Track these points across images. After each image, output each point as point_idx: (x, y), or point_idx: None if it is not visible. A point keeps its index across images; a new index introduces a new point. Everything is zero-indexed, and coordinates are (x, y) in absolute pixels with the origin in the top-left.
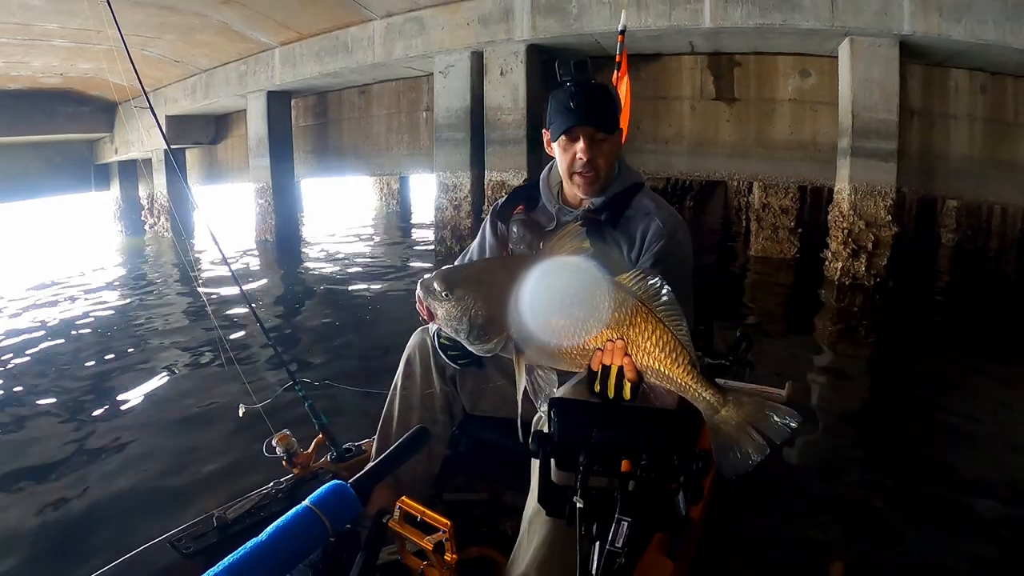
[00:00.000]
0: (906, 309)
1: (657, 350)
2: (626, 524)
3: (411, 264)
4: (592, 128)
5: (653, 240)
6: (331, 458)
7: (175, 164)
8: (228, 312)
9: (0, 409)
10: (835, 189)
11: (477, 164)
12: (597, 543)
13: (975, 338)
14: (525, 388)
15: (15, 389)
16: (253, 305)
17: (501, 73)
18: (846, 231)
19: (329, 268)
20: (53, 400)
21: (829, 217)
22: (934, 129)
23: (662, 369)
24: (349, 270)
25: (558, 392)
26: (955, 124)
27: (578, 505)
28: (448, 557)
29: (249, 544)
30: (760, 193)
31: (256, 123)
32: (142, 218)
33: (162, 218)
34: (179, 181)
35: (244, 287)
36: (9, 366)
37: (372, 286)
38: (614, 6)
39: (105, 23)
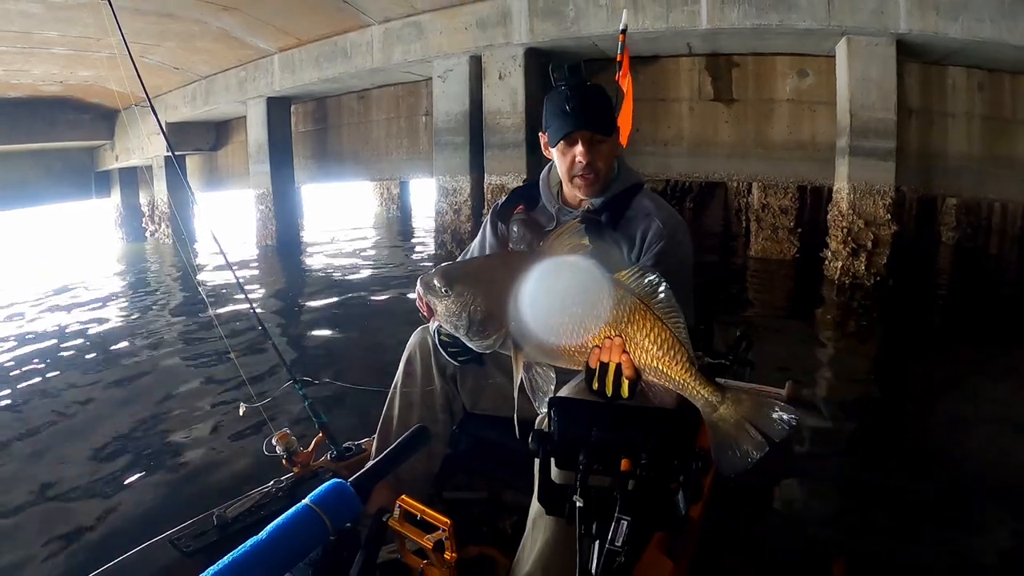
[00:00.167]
0: (906, 308)
1: (655, 348)
2: (626, 523)
3: (411, 267)
4: (590, 131)
5: (653, 241)
6: (331, 457)
7: (178, 168)
8: (229, 312)
9: (1, 409)
10: (834, 188)
11: (476, 168)
12: (597, 542)
13: (976, 336)
14: (522, 385)
15: (17, 390)
16: (254, 305)
17: (499, 77)
18: (845, 230)
19: (330, 272)
20: (54, 399)
21: (828, 216)
22: (932, 127)
23: (660, 367)
24: (350, 273)
25: (560, 392)
26: (953, 122)
27: (578, 504)
28: (448, 556)
29: (249, 543)
30: (759, 193)
31: (256, 129)
32: (143, 225)
33: (163, 225)
34: (181, 186)
35: (245, 288)
36: (10, 367)
37: (372, 289)
38: (611, 9)
39: (108, 30)
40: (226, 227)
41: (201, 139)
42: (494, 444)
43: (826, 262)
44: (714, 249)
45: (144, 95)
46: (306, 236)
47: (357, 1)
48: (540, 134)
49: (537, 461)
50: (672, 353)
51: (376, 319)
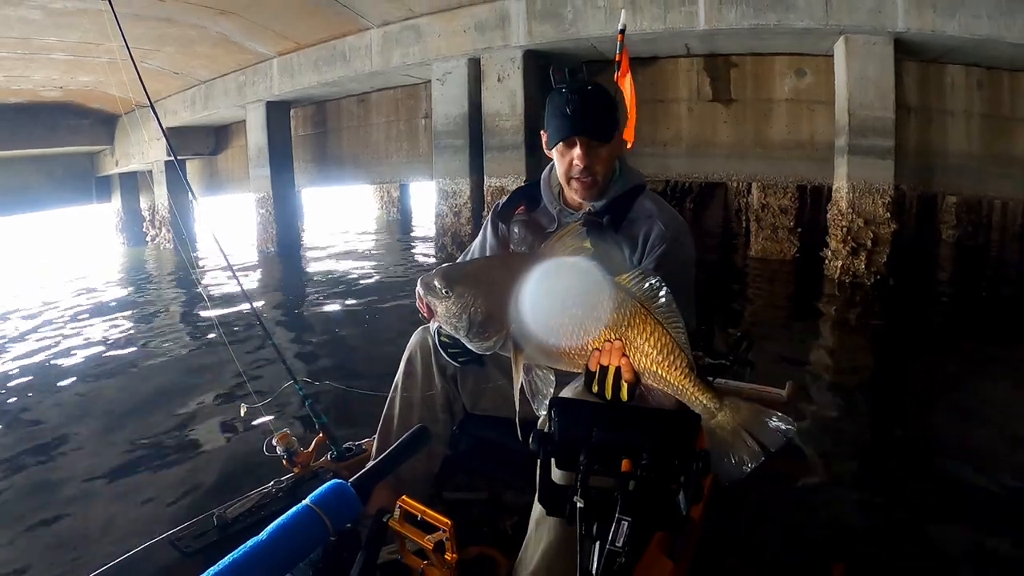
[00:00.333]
0: (907, 306)
1: (655, 352)
2: (626, 524)
3: (412, 270)
4: (588, 136)
5: (656, 243)
6: (331, 457)
7: (180, 171)
8: (230, 313)
9: (5, 412)
10: (833, 188)
11: (476, 170)
12: (597, 543)
13: (977, 334)
14: (523, 387)
15: (17, 390)
16: (254, 306)
17: (498, 79)
18: (845, 229)
19: (330, 274)
20: (54, 399)
21: (828, 216)
22: (931, 125)
23: (659, 371)
24: (350, 276)
25: (561, 393)
26: (952, 120)
27: (578, 505)
28: (448, 556)
29: (249, 543)
30: (759, 193)
31: (256, 133)
32: (143, 229)
33: (163, 229)
34: (182, 190)
35: (245, 289)
36: (11, 368)
37: (373, 290)
38: (609, 10)
39: (110, 35)
40: (227, 231)
41: (201, 143)
42: (494, 444)
43: (826, 261)
44: (714, 249)
45: (146, 99)
46: (307, 239)
47: (355, 5)
48: (541, 132)
49: (541, 462)
50: (672, 358)
51: (376, 320)
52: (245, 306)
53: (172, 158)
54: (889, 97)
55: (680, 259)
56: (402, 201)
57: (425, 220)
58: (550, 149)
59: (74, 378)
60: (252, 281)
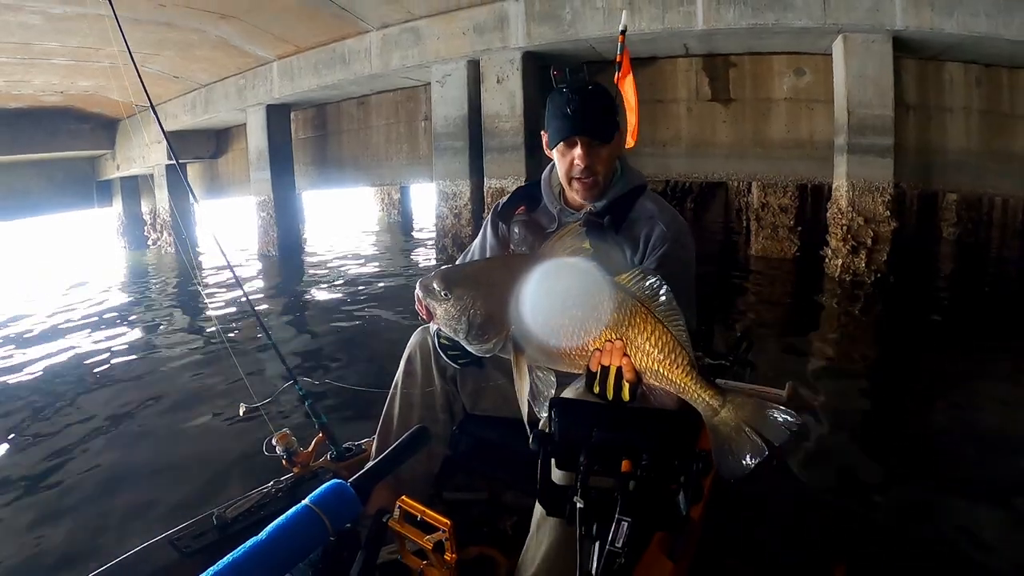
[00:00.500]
0: (907, 304)
1: (656, 351)
2: (626, 524)
3: (412, 272)
4: (589, 136)
5: (657, 244)
6: (331, 457)
7: (181, 174)
8: (230, 313)
9: (6, 411)
10: (833, 186)
11: (476, 172)
12: (597, 543)
13: (977, 332)
14: (529, 389)
15: (17, 390)
16: (254, 306)
17: (498, 81)
18: (845, 228)
19: (331, 276)
20: (54, 399)
21: (828, 214)
22: (931, 123)
23: (660, 370)
24: (351, 277)
25: (563, 394)
26: (951, 117)
27: (578, 505)
28: (448, 556)
29: (249, 543)
30: (759, 193)
31: (256, 136)
32: (145, 233)
33: (165, 233)
34: (183, 193)
35: (246, 290)
36: (12, 368)
37: (373, 291)
38: (608, 11)
39: (111, 39)
40: (228, 234)
41: (201, 147)
42: (494, 445)
43: (826, 260)
44: (715, 249)
45: (147, 102)
46: (308, 242)
47: (355, 8)
48: (542, 132)
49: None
50: (673, 356)
51: (377, 321)
52: (245, 307)
53: (173, 162)
54: (888, 95)
55: (681, 259)
56: (403, 203)
57: (426, 222)
58: (551, 149)
59: (74, 378)
60: (253, 283)
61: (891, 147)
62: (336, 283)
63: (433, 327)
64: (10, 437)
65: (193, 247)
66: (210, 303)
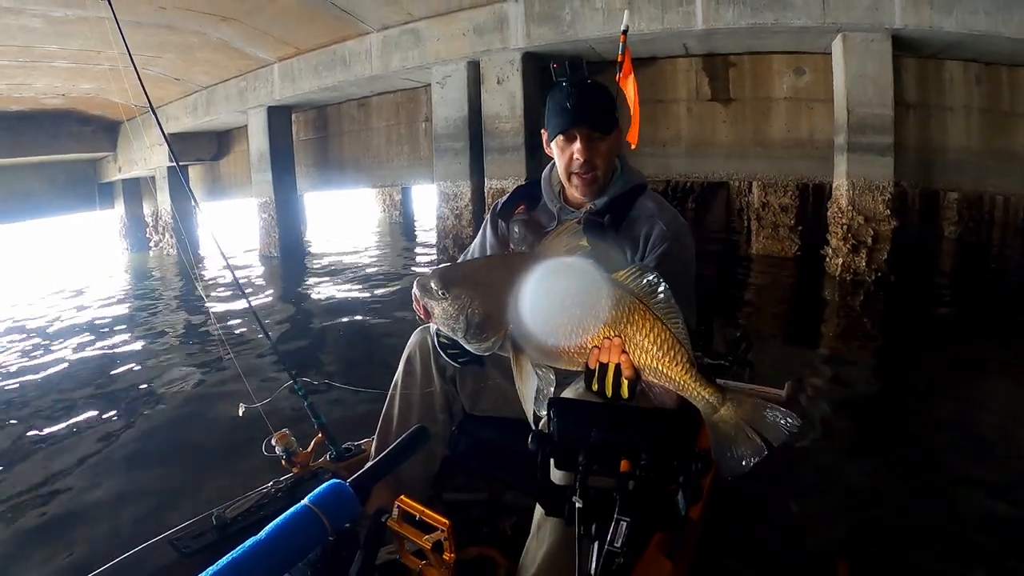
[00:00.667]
0: (908, 303)
1: (654, 348)
2: (625, 524)
3: (413, 272)
4: (588, 128)
5: (656, 243)
6: (330, 457)
7: (182, 177)
8: (230, 313)
9: (6, 411)
10: (833, 185)
11: (477, 173)
12: (596, 543)
13: (978, 331)
14: (533, 390)
15: (17, 391)
16: (254, 306)
17: (498, 82)
18: (845, 227)
19: (332, 277)
20: (54, 399)
21: (828, 213)
22: (931, 122)
23: (659, 367)
24: (352, 278)
25: (563, 394)
26: (951, 116)
27: (577, 505)
28: (447, 556)
29: (248, 543)
30: (759, 192)
31: (257, 138)
32: (147, 235)
33: (167, 235)
34: (184, 195)
35: (246, 292)
36: (12, 368)
37: (374, 292)
38: (607, 12)
39: (112, 42)
40: (229, 236)
41: (203, 149)
42: (494, 445)
43: (827, 259)
44: (717, 248)
45: (148, 105)
46: (309, 243)
47: (355, 10)
48: (542, 131)
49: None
50: (672, 353)
51: (377, 321)
52: (246, 308)
53: (174, 164)
54: (888, 94)
55: (681, 258)
56: (404, 204)
57: (427, 222)
58: (550, 143)
59: (74, 378)
60: (254, 284)
61: (891, 146)
62: (337, 284)
63: (432, 327)
64: (10, 438)
65: (195, 250)
66: (211, 304)
